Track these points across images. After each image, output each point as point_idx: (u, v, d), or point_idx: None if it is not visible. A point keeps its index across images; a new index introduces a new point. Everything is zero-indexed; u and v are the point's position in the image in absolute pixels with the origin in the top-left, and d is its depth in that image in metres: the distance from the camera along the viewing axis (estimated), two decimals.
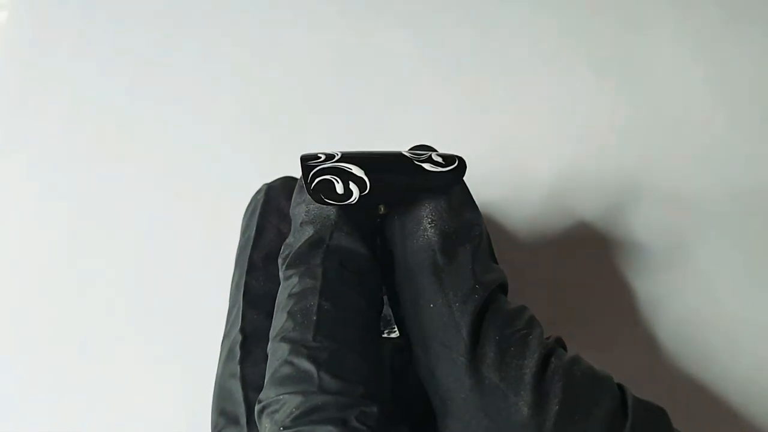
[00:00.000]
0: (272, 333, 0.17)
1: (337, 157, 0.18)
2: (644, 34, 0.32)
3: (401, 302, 0.18)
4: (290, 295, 0.17)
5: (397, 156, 0.19)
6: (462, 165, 0.19)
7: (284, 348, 0.16)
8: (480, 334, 0.17)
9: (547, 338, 0.17)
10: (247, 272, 0.21)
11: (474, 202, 0.20)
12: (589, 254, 0.28)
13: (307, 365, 0.16)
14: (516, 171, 0.30)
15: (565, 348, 0.18)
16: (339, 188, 0.17)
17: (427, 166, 0.18)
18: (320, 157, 0.18)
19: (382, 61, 0.33)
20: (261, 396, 0.17)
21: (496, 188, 0.29)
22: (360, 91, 0.32)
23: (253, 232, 0.22)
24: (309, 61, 0.33)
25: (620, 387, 0.17)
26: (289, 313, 0.17)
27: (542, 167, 0.30)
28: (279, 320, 0.17)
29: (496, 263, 0.19)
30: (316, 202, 0.18)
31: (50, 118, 0.32)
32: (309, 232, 0.18)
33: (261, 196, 0.23)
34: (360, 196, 0.18)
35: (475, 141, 0.31)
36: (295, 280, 0.17)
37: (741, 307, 0.27)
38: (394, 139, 0.30)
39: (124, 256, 0.29)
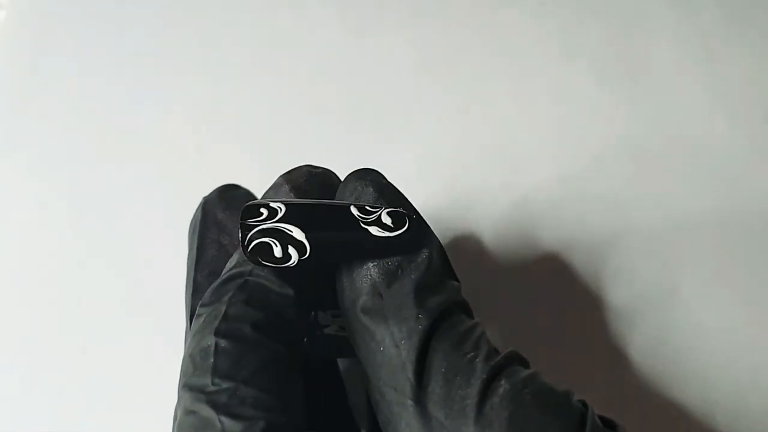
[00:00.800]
0: (179, 376, 0.17)
1: (279, 215, 0.17)
2: (644, 37, 0.32)
3: (358, 347, 0.18)
4: (194, 335, 0.17)
5: (344, 215, 0.18)
6: (411, 228, 0.18)
7: (186, 397, 0.16)
8: (425, 368, 0.16)
9: (498, 355, 0.17)
10: (193, 294, 0.20)
11: (420, 217, 0.19)
12: (565, 270, 0.28)
13: (207, 412, 0.16)
14: (514, 175, 0.30)
15: (522, 361, 0.17)
16: (277, 251, 0.17)
17: (373, 230, 0.17)
18: (262, 214, 0.17)
19: (380, 64, 0.33)
20: None
21: (491, 193, 0.29)
22: (358, 93, 0.32)
23: (194, 252, 0.21)
24: (307, 63, 0.33)
25: (584, 404, 0.16)
26: (190, 356, 0.17)
27: (541, 171, 0.30)
28: (183, 365, 0.17)
29: (455, 279, 0.18)
30: (253, 263, 0.17)
31: (50, 119, 0.32)
32: (232, 263, 0.18)
33: (198, 213, 0.22)
34: (299, 261, 0.17)
35: (473, 145, 0.30)
36: (201, 319, 0.17)
37: (722, 322, 0.26)
38: (391, 142, 0.31)
39: (124, 256, 0.29)
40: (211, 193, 0.23)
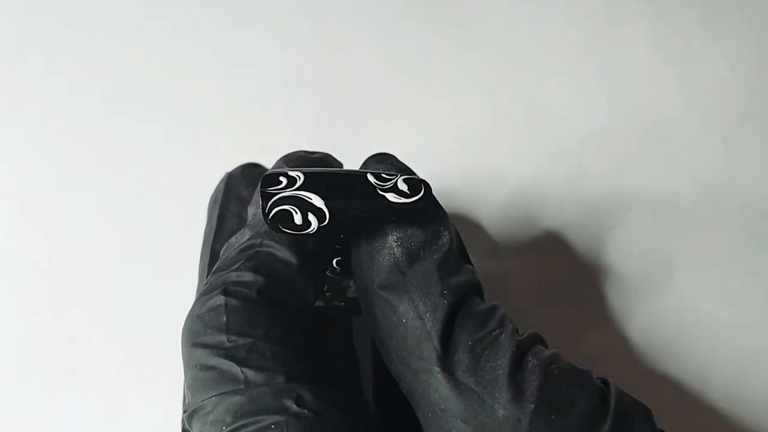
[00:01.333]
0: (183, 337, 0.17)
1: (298, 183, 0.17)
2: (619, 38, 0.33)
3: (376, 321, 0.18)
4: (200, 297, 0.17)
5: (361, 182, 0.18)
6: (427, 195, 0.18)
7: (199, 354, 0.16)
8: (452, 341, 0.17)
9: (522, 335, 0.17)
10: (209, 263, 0.21)
11: (439, 206, 0.19)
12: (565, 256, 0.28)
13: (227, 365, 0.16)
14: (491, 178, 0.30)
15: (544, 343, 0.18)
16: (297, 219, 0.17)
17: (390, 196, 0.18)
18: (281, 182, 0.17)
19: (354, 74, 0.32)
20: (186, 405, 0.17)
21: (469, 194, 0.30)
22: (333, 103, 0.32)
23: (215, 222, 0.22)
24: (282, 75, 0.32)
25: (604, 382, 0.17)
26: (198, 316, 0.17)
27: (518, 172, 0.30)
28: (189, 325, 0.17)
29: (470, 264, 0.19)
30: (274, 230, 0.17)
31: (23, 126, 0.31)
32: (245, 236, 0.18)
33: (221, 186, 0.23)
34: (318, 227, 0.17)
35: (449, 150, 0.31)
36: (209, 284, 0.17)
37: (717, 306, 0.27)
38: (368, 149, 0.31)
39: (103, 273, 0.28)
40: (235, 169, 0.23)
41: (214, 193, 0.23)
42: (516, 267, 0.28)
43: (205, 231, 0.22)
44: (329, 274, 0.20)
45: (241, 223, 0.21)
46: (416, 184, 0.18)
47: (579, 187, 0.30)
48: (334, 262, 0.20)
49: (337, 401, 0.17)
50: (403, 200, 0.18)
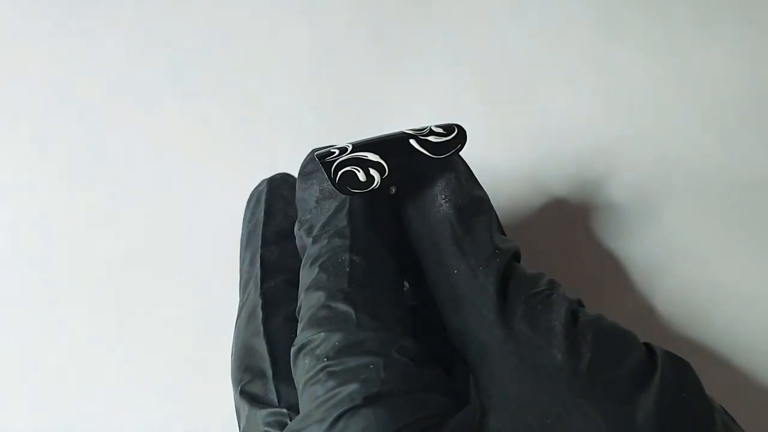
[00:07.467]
0: (303, 286, 0.18)
1: (350, 149, 0.19)
2: (617, 40, 0.33)
3: (424, 271, 0.19)
4: (320, 254, 0.18)
5: (403, 136, 0.20)
6: (462, 130, 0.20)
7: (319, 295, 0.17)
8: (506, 294, 0.18)
9: (570, 298, 0.18)
10: (262, 246, 0.22)
11: (479, 182, 0.21)
12: (599, 230, 0.29)
13: (344, 307, 0.17)
14: (490, 177, 0.30)
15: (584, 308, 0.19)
16: (361, 176, 0.18)
17: (432, 138, 0.19)
18: (334, 152, 0.19)
19: (354, 74, 0.33)
20: (297, 340, 0.17)
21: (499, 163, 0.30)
22: (333, 103, 0.32)
23: (262, 214, 0.23)
24: (281, 76, 0.33)
25: (645, 343, 0.18)
26: (320, 266, 0.18)
27: (517, 171, 0.30)
28: (310, 274, 0.18)
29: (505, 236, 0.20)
30: (343, 194, 0.18)
31: (24, 127, 0.32)
32: (330, 204, 0.19)
33: (263, 187, 0.24)
34: (381, 180, 0.18)
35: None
36: (324, 241, 0.18)
37: (730, 273, 0.28)
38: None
39: (114, 261, 0.29)
40: (275, 175, 0.24)
41: (253, 195, 0.24)
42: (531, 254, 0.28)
43: (249, 225, 0.23)
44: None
45: (287, 218, 0.22)
46: (448, 125, 0.20)
47: (576, 187, 0.30)
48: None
49: (433, 357, 0.18)
50: (444, 139, 0.19)
